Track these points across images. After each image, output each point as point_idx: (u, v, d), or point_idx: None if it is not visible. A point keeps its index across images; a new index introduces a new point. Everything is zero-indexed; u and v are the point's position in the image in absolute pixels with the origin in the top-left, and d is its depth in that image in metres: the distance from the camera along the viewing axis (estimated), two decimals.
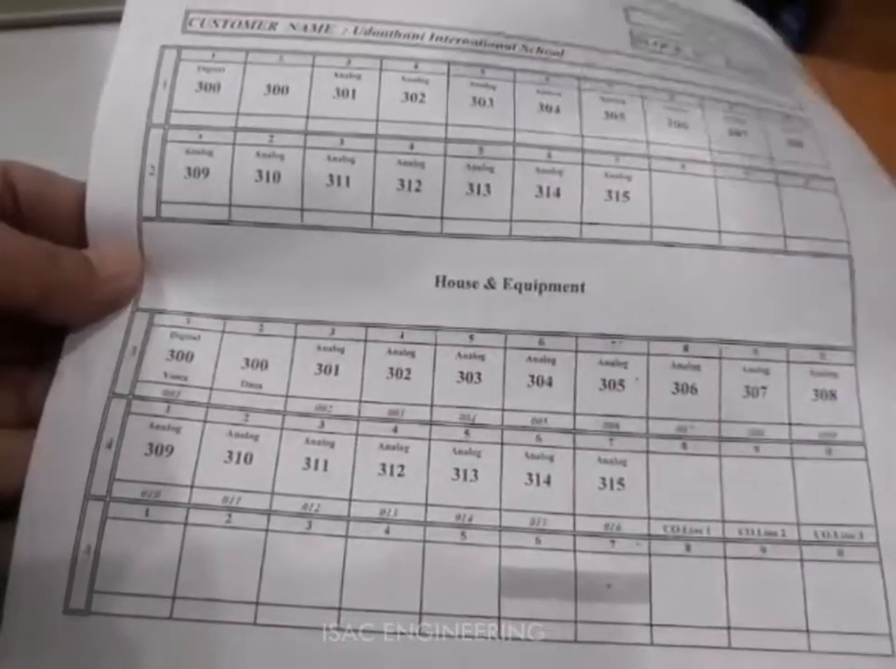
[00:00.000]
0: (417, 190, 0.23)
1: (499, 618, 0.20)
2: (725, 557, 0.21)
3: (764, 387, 0.23)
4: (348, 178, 0.23)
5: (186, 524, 0.20)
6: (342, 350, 0.22)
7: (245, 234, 0.22)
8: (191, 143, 0.22)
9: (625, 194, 0.23)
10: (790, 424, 0.22)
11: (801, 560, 0.21)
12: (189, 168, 0.22)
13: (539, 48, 0.24)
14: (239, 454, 0.21)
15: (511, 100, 0.24)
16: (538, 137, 0.23)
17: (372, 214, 0.23)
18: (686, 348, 0.23)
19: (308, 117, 0.23)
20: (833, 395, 0.23)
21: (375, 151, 0.23)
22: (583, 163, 0.23)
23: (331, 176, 0.22)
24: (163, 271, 0.22)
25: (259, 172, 0.22)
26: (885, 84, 0.38)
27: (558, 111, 0.24)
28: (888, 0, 0.40)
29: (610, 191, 0.23)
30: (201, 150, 0.22)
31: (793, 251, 0.23)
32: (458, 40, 0.24)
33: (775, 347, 0.23)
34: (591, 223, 0.23)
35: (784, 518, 0.21)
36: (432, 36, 0.24)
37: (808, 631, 0.20)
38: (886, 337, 0.23)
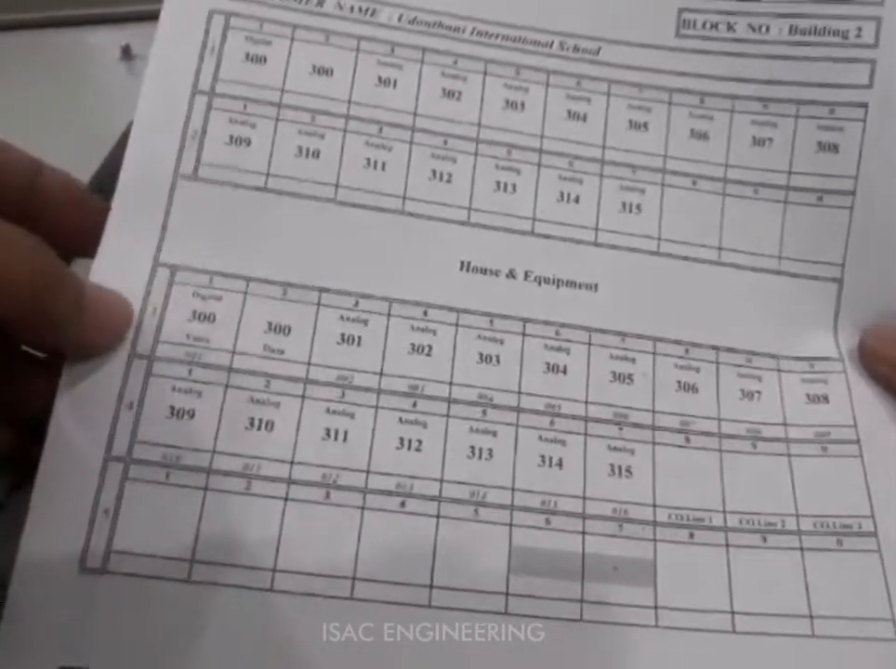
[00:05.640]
0: (448, 182, 0.24)
1: (507, 594, 0.21)
2: (727, 546, 0.22)
3: (759, 392, 0.24)
4: (384, 164, 0.24)
5: (206, 489, 0.20)
6: (365, 322, 0.23)
7: (278, 202, 0.23)
8: (235, 113, 0.23)
9: (638, 206, 0.25)
10: (785, 424, 0.24)
11: (801, 549, 0.22)
12: (231, 136, 0.23)
13: (576, 46, 0.25)
14: (260, 421, 0.21)
15: (542, 106, 0.25)
16: (563, 146, 0.25)
17: (404, 198, 0.24)
18: (687, 351, 0.24)
19: (350, 102, 0.24)
20: (825, 399, 0.24)
21: (412, 143, 0.24)
22: (601, 175, 0.25)
23: (368, 159, 0.24)
24: (189, 230, 0.22)
25: (300, 148, 0.23)
26: None
27: (584, 119, 0.25)
28: None
29: (624, 203, 0.25)
30: (244, 122, 0.23)
31: (785, 272, 0.25)
32: (497, 35, 0.25)
33: (766, 357, 0.24)
34: (606, 230, 0.24)
35: (783, 509, 0.22)
36: (473, 30, 0.25)
37: (811, 616, 0.21)
38: None
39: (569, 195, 0.24)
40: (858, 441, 0.23)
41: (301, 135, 0.23)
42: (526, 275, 0.24)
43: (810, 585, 0.21)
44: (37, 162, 0.21)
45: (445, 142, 0.24)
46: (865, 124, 0.25)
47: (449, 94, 0.24)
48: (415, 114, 0.24)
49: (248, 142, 0.23)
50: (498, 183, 0.24)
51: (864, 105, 0.25)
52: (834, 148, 0.25)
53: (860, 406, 0.24)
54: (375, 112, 0.24)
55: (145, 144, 0.22)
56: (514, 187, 0.24)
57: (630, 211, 0.25)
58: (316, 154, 0.23)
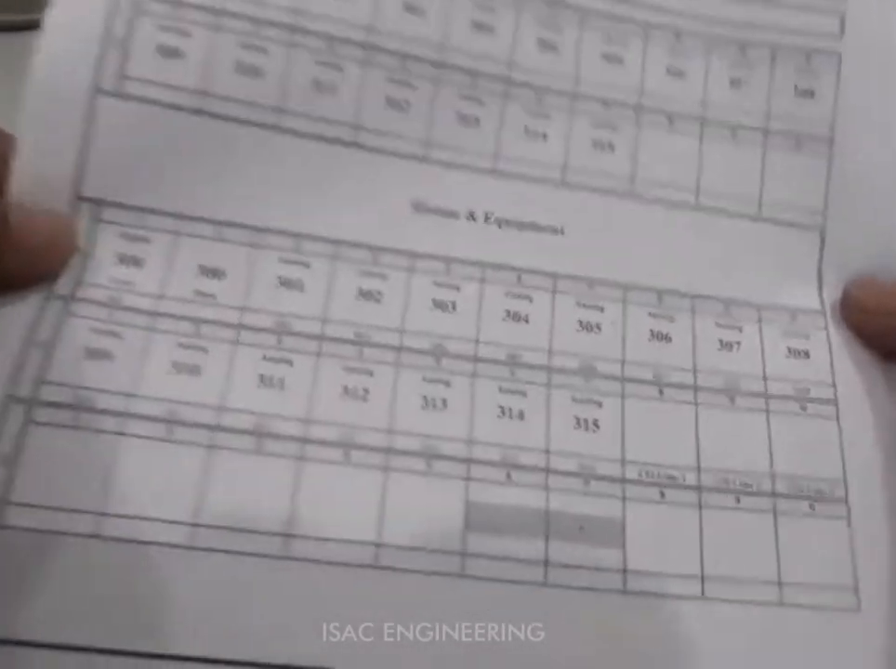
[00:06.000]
0: (405, 111, 0.22)
1: (463, 554, 0.19)
2: (700, 506, 0.20)
3: (738, 342, 0.22)
4: (334, 86, 0.21)
5: (121, 434, 0.18)
6: (307, 265, 0.21)
7: (215, 127, 0.21)
8: (167, 18, 0.21)
9: (610, 145, 0.23)
10: (765, 378, 0.22)
11: (774, 512, 0.20)
12: (160, 46, 0.20)
13: None
14: (185, 366, 0.19)
15: (511, 34, 0.23)
16: (531, 78, 0.23)
17: (356, 127, 0.21)
18: (660, 299, 0.22)
19: (296, 12, 0.21)
20: (806, 354, 0.22)
21: (365, 63, 0.22)
22: (572, 110, 0.23)
23: (315, 80, 0.21)
24: (114, 158, 0.20)
25: (239, 63, 0.21)
26: None
27: (556, 49, 0.23)
28: None
29: (595, 141, 0.23)
30: (177, 29, 0.21)
31: (766, 218, 0.23)
32: None
33: (746, 307, 0.23)
34: (574, 169, 0.23)
35: (758, 468, 0.21)
36: None
37: (780, 583, 0.20)
38: None
39: (535, 131, 0.23)
40: (836, 403, 0.22)
41: (241, 48, 0.21)
42: (486, 217, 0.22)
43: (781, 552, 0.20)
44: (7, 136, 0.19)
45: (403, 65, 0.22)
46: (839, 72, 0.24)
47: (410, 8, 0.22)
48: (369, 30, 0.22)
49: (181, 54, 0.20)
50: (459, 115, 0.22)
51: (837, 53, 0.24)
52: (810, 94, 0.24)
53: (839, 365, 0.22)
54: (326, 27, 0.21)
55: (55, 56, 0.20)
56: (477, 120, 0.22)
57: (602, 149, 0.23)
58: (258, 73, 0.21)
